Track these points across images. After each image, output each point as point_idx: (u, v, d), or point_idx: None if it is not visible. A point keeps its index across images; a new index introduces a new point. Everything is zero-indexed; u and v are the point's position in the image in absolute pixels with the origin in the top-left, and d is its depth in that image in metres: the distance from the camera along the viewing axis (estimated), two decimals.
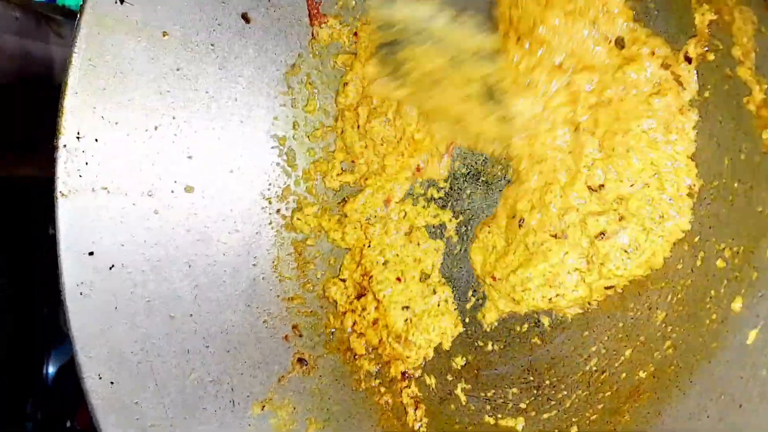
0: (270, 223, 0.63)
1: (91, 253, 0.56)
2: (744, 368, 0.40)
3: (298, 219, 0.64)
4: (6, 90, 0.83)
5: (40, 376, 0.94)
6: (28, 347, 0.92)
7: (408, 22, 0.50)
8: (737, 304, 0.43)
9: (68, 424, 0.94)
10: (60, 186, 0.55)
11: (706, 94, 0.50)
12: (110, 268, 0.56)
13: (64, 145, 0.55)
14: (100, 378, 0.54)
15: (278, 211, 0.63)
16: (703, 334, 0.45)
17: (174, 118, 0.59)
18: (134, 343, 0.56)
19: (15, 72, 0.86)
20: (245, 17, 0.59)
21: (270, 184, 0.63)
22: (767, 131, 0.42)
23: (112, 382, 0.54)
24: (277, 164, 0.63)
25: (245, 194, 0.62)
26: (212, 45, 0.58)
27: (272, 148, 0.63)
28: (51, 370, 0.94)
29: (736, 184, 0.46)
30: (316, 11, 0.60)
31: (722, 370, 0.42)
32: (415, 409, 0.59)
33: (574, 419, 0.54)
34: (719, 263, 0.46)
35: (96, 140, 0.56)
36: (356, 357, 0.60)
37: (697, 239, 0.49)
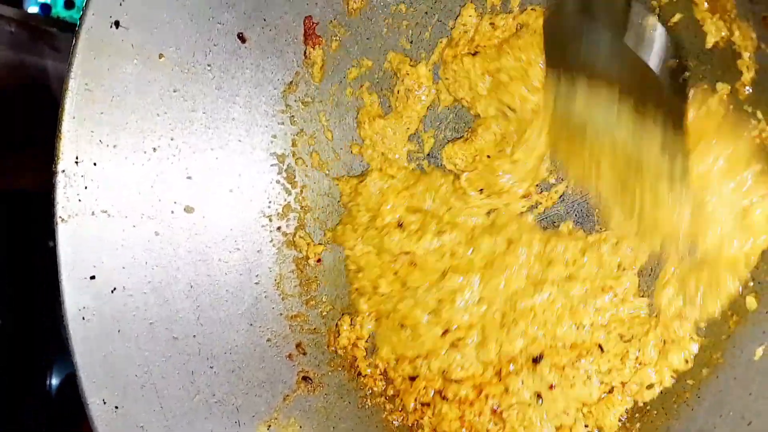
0: (271, 241, 0.63)
1: (92, 277, 0.56)
2: (752, 385, 0.40)
3: (300, 237, 0.64)
4: (4, 99, 0.83)
5: (43, 387, 0.93)
6: (29, 358, 0.92)
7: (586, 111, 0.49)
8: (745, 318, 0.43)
9: None
10: (59, 211, 0.55)
11: None
12: (112, 292, 0.56)
13: (63, 170, 0.55)
14: (105, 403, 0.54)
15: (279, 228, 0.63)
16: (710, 350, 0.45)
17: (172, 139, 0.59)
18: (138, 367, 0.56)
19: (11, 84, 0.86)
20: (241, 37, 0.59)
21: (270, 202, 0.63)
22: None
23: (116, 407, 0.54)
24: (277, 182, 0.63)
25: (245, 213, 0.62)
26: (209, 66, 0.58)
27: (271, 166, 0.63)
28: (54, 381, 0.94)
29: None
30: (312, 32, 0.60)
31: (730, 387, 0.42)
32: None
33: None
34: None
35: (95, 164, 0.56)
36: (361, 375, 0.60)
37: None
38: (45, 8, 1.07)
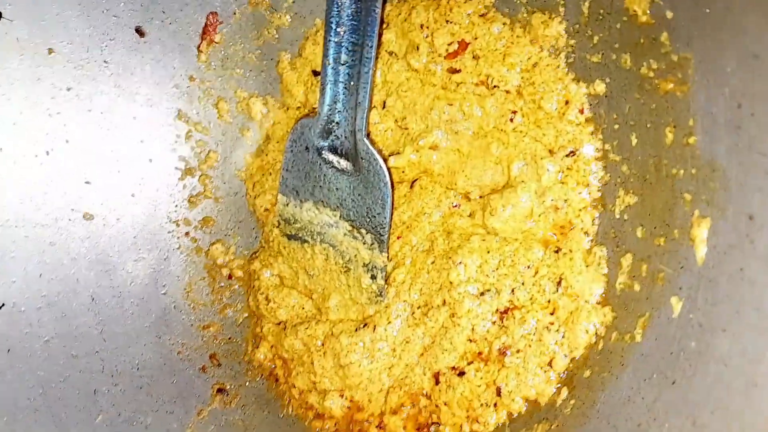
0: (179, 248, 0.59)
1: None
2: (673, 343, 0.39)
3: (212, 243, 0.60)
4: None
5: None
6: None
7: (311, 223, 0.56)
8: (660, 277, 0.42)
9: None
10: None
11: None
12: (0, 308, 0.51)
13: None
14: None
15: (187, 234, 0.60)
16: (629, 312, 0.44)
17: (67, 141, 0.55)
18: (30, 389, 0.50)
19: None
20: (139, 31, 0.56)
21: (177, 206, 0.60)
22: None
23: None
24: (183, 185, 0.60)
25: (150, 219, 0.58)
26: (105, 62, 0.55)
27: (176, 168, 0.59)
28: None
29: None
30: (213, 29, 0.57)
31: (652, 348, 0.41)
32: None
33: None
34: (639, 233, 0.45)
35: None
36: (278, 382, 0.57)
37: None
38: None
